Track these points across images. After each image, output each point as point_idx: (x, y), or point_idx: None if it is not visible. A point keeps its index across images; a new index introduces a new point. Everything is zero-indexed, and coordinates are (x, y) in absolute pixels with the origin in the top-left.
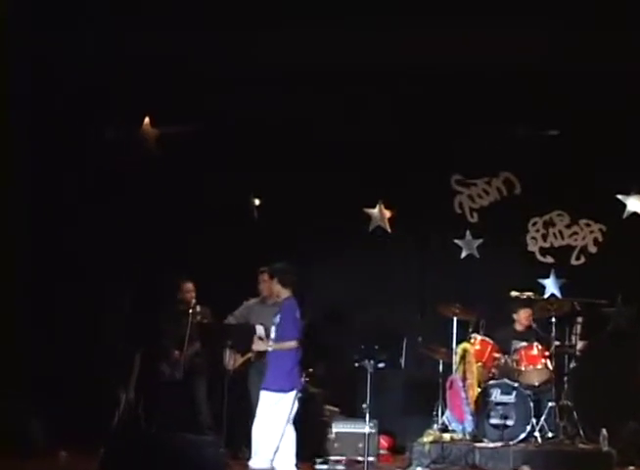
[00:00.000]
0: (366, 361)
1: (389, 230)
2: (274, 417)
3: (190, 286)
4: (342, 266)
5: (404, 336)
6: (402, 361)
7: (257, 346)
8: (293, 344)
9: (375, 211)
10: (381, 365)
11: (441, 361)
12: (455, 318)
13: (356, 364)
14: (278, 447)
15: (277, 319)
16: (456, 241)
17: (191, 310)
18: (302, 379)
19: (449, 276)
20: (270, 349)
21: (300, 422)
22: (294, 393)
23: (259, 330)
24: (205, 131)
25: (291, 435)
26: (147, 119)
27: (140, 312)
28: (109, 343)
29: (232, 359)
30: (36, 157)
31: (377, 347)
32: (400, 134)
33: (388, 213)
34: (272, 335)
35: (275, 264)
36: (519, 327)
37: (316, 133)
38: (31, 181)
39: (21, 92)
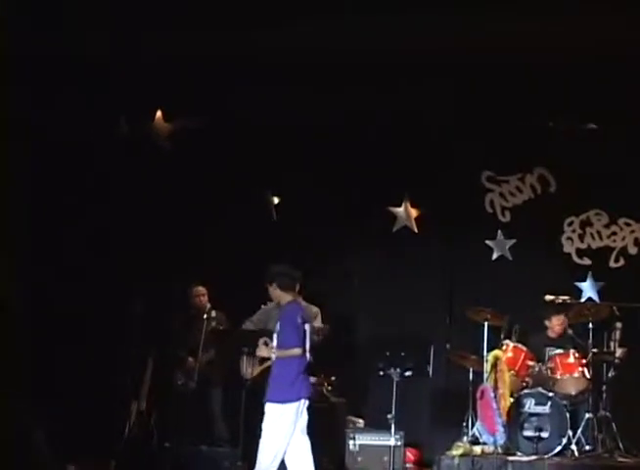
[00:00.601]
0: (391, 369)
1: (416, 230)
2: (278, 430)
3: (201, 289)
4: (366, 269)
5: (432, 342)
6: (430, 369)
7: (261, 351)
8: (297, 351)
9: (400, 210)
10: (407, 374)
11: (471, 369)
12: (486, 324)
13: (381, 373)
14: (282, 461)
15: (277, 327)
16: (487, 242)
17: (206, 316)
18: (320, 387)
19: (480, 279)
20: (274, 356)
21: (322, 434)
22: (300, 403)
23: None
24: (221, 127)
25: (306, 446)
26: (159, 113)
27: (152, 317)
28: (118, 350)
29: (250, 368)
30: (37, 156)
31: (403, 354)
32: (428, 128)
33: (414, 213)
34: (274, 343)
35: (273, 267)
36: (551, 334)
37: (336, 128)
38: (33, 181)
39: (21, 90)
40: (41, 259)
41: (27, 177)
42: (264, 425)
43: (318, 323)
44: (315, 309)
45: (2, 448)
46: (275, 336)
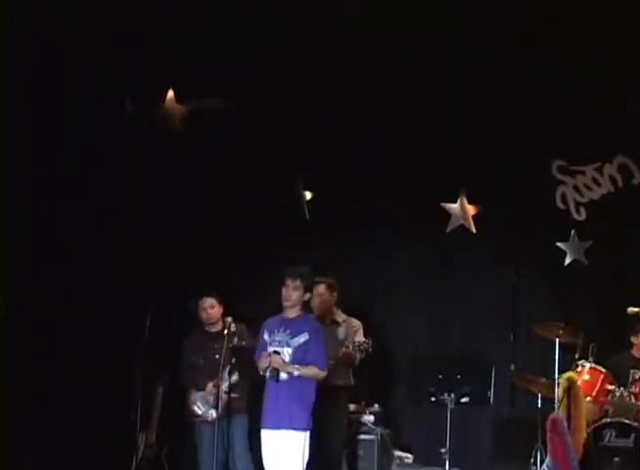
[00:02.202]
0: (445, 395)
1: (474, 230)
2: (299, 462)
3: (211, 301)
4: (413, 276)
5: (493, 363)
6: (491, 395)
7: (279, 363)
8: (323, 374)
9: (455, 206)
10: (464, 400)
11: (540, 395)
12: (557, 341)
13: (433, 399)
14: None
15: (300, 339)
16: (559, 244)
17: (226, 332)
18: (360, 416)
19: (550, 288)
20: (296, 372)
21: None
22: None
23: None
24: (244, 108)
25: None
26: (171, 94)
27: (162, 336)
28: (123, 374)
29: None
30: (33, 152)
31: (458, 376)
32: (488, 108)
33: (471, 210)
34: (286, 358)
35: (302, 268)
36: (638, 354)
37: (376, 111)
38: (32, 183)
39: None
40: (39, 269)
41: (27, 178)
42: (297, 457)
43: (360, 336)
44: (356, 323)
45: None
46: (289, 351)
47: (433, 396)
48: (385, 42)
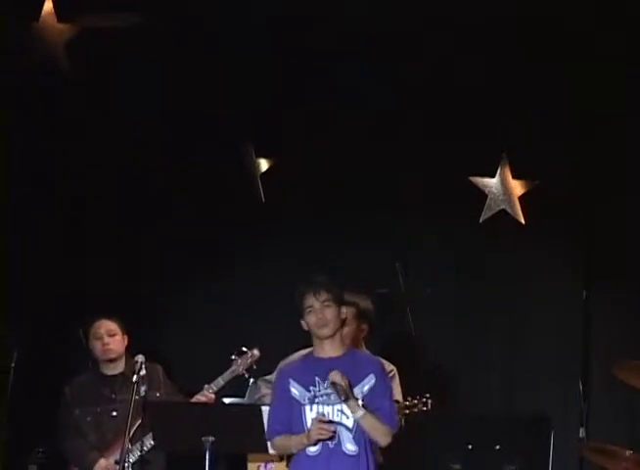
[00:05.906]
0: None
1: (522, 221)
2: None
3: (109, 326)
4: (431, 291)
5: (551, 425)
6: None
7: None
8: (390, 439)
9: (494, 182)
10: None
11: None
12: None
13: None
14: None
15: (364, 387)
16: None
17: (135, 378)
18: None
19: (636, 315)
20: (362, 421)
21: None
22: None
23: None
24: (160, 29)
25: None
26: (48, 5)
27: (36, 385)
28: None
29: None
30: None
31: (498, 447)
32: (543, 40)
33: (518, 188)
34: (349, 423)
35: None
36: None
37: (378, 28)
38: None
39: None
40: None
41: None
42: None
43: (398, 394)
44: (390, 368)
45: None
46: (355, 402)
47: None
48: None
